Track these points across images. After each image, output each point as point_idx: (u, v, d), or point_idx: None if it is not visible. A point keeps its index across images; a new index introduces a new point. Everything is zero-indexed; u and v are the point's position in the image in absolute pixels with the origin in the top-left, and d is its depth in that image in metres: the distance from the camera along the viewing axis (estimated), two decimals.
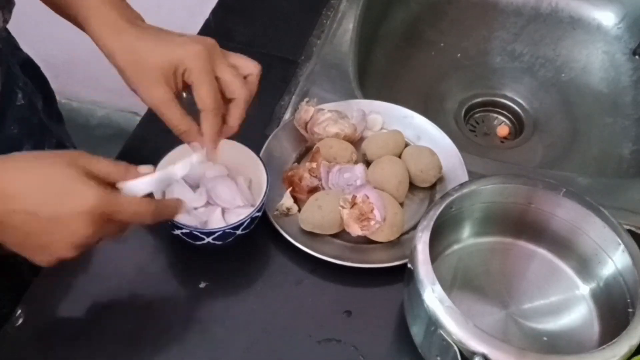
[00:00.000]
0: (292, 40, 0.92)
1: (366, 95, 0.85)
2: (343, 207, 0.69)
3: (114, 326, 0.65)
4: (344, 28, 0.93)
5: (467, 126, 1.01)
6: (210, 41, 0.65)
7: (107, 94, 1.90)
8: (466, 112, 1.02)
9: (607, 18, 1.06)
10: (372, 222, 0.68)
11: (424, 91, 1.03)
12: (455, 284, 0.65)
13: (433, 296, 0.55)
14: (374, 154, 0.76)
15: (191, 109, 0.85)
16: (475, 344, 0.53)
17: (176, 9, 1.65)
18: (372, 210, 0.68)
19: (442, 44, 1.08)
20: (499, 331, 0.61)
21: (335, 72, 0.88)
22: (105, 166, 0.56)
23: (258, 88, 0.68)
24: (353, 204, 0.68)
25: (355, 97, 0.84)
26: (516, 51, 1.07)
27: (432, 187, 0.76)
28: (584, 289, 0.65)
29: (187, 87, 0.65)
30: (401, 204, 0.73)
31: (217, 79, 0.64)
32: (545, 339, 0.61)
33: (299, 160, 0.78)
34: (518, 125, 1.01)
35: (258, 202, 0.67)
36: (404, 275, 0.62)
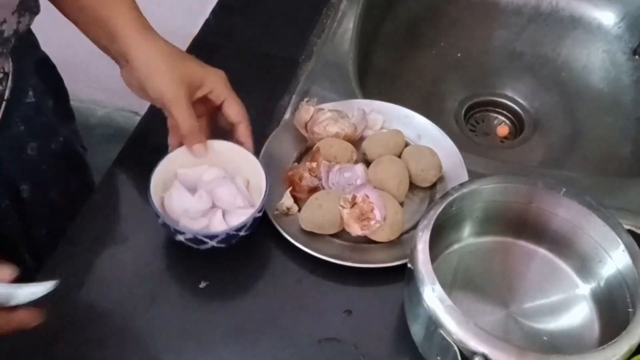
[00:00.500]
0: (292, 40, 0.92)
1: (366, 95, 0.85)
2: (343, 207, 0.69)
3: (114, 326, 0.65)
4: (344, 27, 0.94)
5: (467, 126, 1.01)
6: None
7: (107, 93, 1.90)
8: (466, 112, 1.02)
9: (608, 17, 1.06)
10: (372, 222, 0.68)
11: (425, 91, 1.03)
12: (456, 283, 0.65)
13: (433, 296, 0.55)
14: (374, 153, 0.76)
15: None
16: (475, 344, 0.53)
17: (176, 9, 1.65)
18: (372, 210, 0.68)
19: (442, 44, 1.08)
20: (499, 331, 0.61)
21: (335, 71, 0.88)
22: None
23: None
24: (353, 204, 0.68)
25: (355, 97, 0.84)
26: (516, 51, 1.07)
27: (433, 186, 0.76)
28: (584, 288, 0.65)
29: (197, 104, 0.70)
30: (401, 204, 0.73)
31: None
32: (545, 338, 0.61)
33: (299, 160, 0.78)
34: (518, 124, 1.01)
35: (259, 202, 0.67)
36: (404, 275, 0.62)
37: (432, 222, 0.59)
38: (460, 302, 0.55)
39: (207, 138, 0.71)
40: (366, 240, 0.70)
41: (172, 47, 0.70)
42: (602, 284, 0.63)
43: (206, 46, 0.91)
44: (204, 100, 0.71)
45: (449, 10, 1.10)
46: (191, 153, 0.70)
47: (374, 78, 0.98)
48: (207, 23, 0.95)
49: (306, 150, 0.79)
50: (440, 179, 0.76)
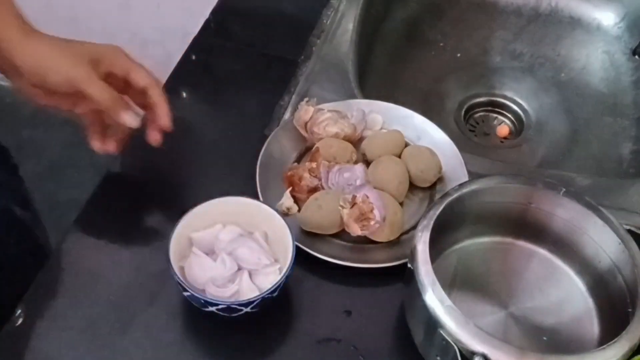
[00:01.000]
0: (292, 40, 0.92)
1: (366, 95, 0.85)
2: (343, 207, 0.69)
3: (114, 326, 0.65)
4: (343, 28, 0.93)
5: (467, 126, 1.01)
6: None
7: None
8: (466, 112, 1.02)
9: (607, 18, 1.06)
10: (372, 222, 0.68)
11: (424, 91, 1.02)
12: (455, 283, 0.65)
13: (433, 296, 0.55)
14: (374, 153, 0.76)
15: (191, 110, 0.86)
16: (475, 344, 0.53)
17: (176, 9, 1.65)
18: (371, 210, 0.68)
19: (442, 44, 1.08)
20: (499, 331, 0.61)
21: (335, 72, 0.88)
22: None
23: None
24: (353, 204, 0.68)
25: (355, 97, 0.84)
26: (516, 51, 1.07)
27: (432, 187, 0.76)
28: (584, 288, 0.65)
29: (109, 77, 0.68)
30: (401, 204, 0.73)
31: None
32: (545, 338, 0.61)
33: (298, 160, 0.78)
34: (518, 125, 1.01)
35: (282, 256, 0.65)
36: (404, 275, 0.62)
37: (432, 222, 0.59)
38: (460, 302, 0.55)
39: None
40: (366, 240, 0.70)
41: (58, 37, 0.67)
42: (602, 284, 0.63)
43: (206, 46, 0.92)
44: (111, 80, 0.69)
45: (449, 10, 1.10)
46: (126, 123, 0.68)
47: (374, 78, 0.98)
48: (207, 23, 0.95)
49: (306, 150, 0.79)
50: (440, 179, 0.76)
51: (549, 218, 0.65)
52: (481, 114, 1.03)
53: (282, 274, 0.63)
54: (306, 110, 0.77)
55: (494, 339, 0.53)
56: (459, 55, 1.07)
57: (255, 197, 0.71)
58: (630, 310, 0.56)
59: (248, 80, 0.88)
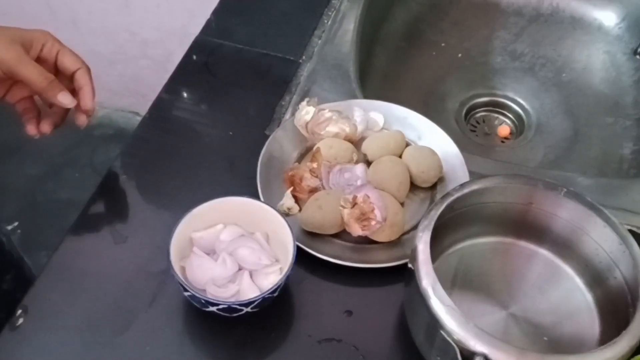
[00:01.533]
0: (293, 40, 0.93)
1: (367, 95, 0.85)
2: (344, 207, 0.69)
3: (115, 326, 0.65)
4: (344, 28, 0.94)
5: (468, 126, 1.01)
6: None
7: (107, 94, 1.90)
8: (467, 112, 1.02)
9: (608, 18, 1.06)
10: (373, 222, 0.68)
11: (425, 91, 1.03)
12: (456, 284, 0.65)
13: (433, 296, 0.55)
14: (375, 154, 0.76)
15: (192, 110, 0.86)
16: (475, 344, 0.53)
17: (176, 9, 1.66)
18: (372, 210, 0.68)
19: (443, 44, 1.08)
20: (499, 331, 0.61)
21: (336, 72, 0.88)
22: None
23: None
24: (354, 204, 0.68)
25: (356, 97, 0.84)
26: (517, 51, 1.07)
27: (433, 187, 0.76)
28: (585, 289, 0.65)
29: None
30: (402, 204, 0.73)
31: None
32: (545, 338, 0.62)
33: (299, 160, 0.78)
34: (519, 125, 1.01)
35: (283, 256, 0.65)
36: (404, 275, 0.62)
37: (433, 223, 0.60)
38: (460, 302, 0.55)
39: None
40: (367, 240, 0.70)
41: None
42: (602, 284, 0.63)
43: (207, 46, 0.92)
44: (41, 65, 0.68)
45: (450, 11, 1.10)
46: (62, 104, 0.68)
47: (375, 78, 0.98)
48: (208, 23, 0.95)
49: (307, 150, 0.79)
50: (441, 179, 0.76)
51: (550, 218, 0.65)
52: (482, 114, 1.03)
53: (282, 274, 0.63)
54: (307, 111, 0.77)
55: (494, 339, 0.53)
56: (460, 55, 1.07)
57: (256, 197, 0.71)
58: (630, 310, 0.56)
59: (249, 81, 0.88)
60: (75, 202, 0.78)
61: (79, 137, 1.83)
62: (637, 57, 0.87)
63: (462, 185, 0.63)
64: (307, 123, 0.77)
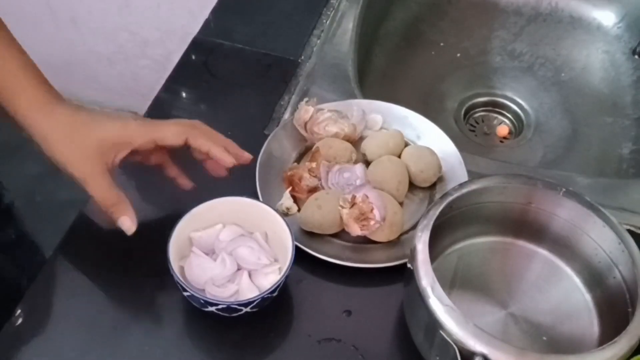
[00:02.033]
0: (292, 40, 0.92)
1: (366, 95, 0.85)
2: (342, 207, 0.69)
3: (114, 326, 0.65)
4: (343, 28, 0.93)
5: (467, 126, 1.01)
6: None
7: (107, 94, 1.90)
8: (466, 112, 1.02)
9: (607, 18, 1.06)
10: (372, 222, 0.68)
11: (424, 91, 1.02)
12: (455, 283, 0.65)
13: (433, 296, 0.55)
14: (374, 153, 0.76)
15: (190, 110, 0.85)
16: (474, 344, 0.53)
17: (176, 9, 1.65)
18: (371, 210, 0.68)
19: (442, 44, 1.08)
20: (498, 331, 0.61)
21: (335, 71, 0.88)
22: None
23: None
24: (352, 204, 0.68)
25: (355, 97, 0.84)
26: (516, 51, 1.07)
27: (432, 186, 0.76)
28: (584, 288, 0.65)
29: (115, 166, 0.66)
30: (401, 204, 0.73)
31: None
32: (545, 338, 0.61)
33: (298, 160, 0.78)
34: (518, 125, 1.01)
35: (282, 255, 0.65)
36: (403, 275, 0.62)
37: (432, 222, 0.59)
38: (459, 302, 0.55)
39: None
40: (366, 240, 0.70)
41: (79, 114, 0.64)
42: (601, 284, 0.63)
43: (206, 46, 0.92)
44: (140, 155, 0.68)
45: (449, 10, 1.10)
46: (121, 228, 0.65)
47: (374, 78, 0.98)
48: (207, 23, 0.95)
49: (306, 150, 0.79)
50: (440, 179, 0.76)
51: (549, 218, 0.65)
52: (481, 113, 1.03)
53: (281, 274, 0.63)
54: (306, 110, 0.77)
55: (493, 339, 0.53)
56: (459, 55, 1.07)
57: (255, 197, 0.71)
58: (629, 310, 0.56)
59: (248, 80, 0.88)
60: (74, 202, 0.78)
61: None
62: (636, 56, 0.87)
63: (461, 185, 0.63)
64: (306, 123, 0.77)
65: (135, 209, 0.69)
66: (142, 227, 0.72)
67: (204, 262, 0.65)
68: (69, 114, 0.64)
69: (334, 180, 0.73)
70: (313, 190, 0.73)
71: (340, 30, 0.93)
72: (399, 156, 0.76)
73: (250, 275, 0.65)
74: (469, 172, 0.75)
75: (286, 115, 0.83)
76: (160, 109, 0.84)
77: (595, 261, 0.63)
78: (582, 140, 0.96)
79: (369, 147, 0.77)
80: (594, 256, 0.63)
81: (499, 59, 1.07)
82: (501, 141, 1.00)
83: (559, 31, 1.07)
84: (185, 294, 0.62)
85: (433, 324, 0.55)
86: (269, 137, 0.77)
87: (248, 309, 0.62)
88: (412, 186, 0.75)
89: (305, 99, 0.79)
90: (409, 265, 0.59)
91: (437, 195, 0.74)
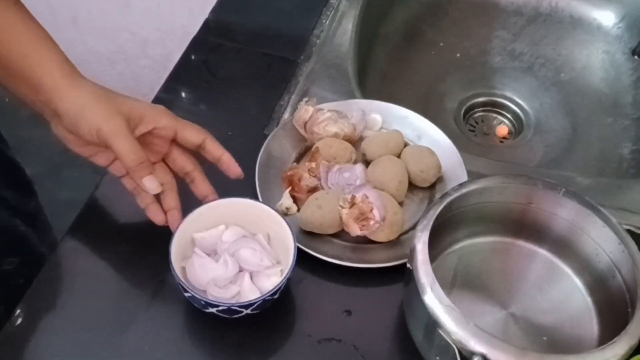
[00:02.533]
0: (292, 40, 0.92)
1: (366, 95, 0.85)
2: (342, 207, 0.69)
3: (114, 326, 0.65)
4: (343, 28, 0.93)
5: (466, 126, 1.01)
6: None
7: None
8: (466, 112, 1.02)
9: (607, 18, 1.06)
10: (372, 222, 0.68)
11: (424, 91, 1.02)
12: (455, 283, 0.65)
13: (432, 296, 0.55)
14: (374, 153, 0.76)
15: (190, 110, 0.85)
16: (474, 344, 0.53)
17: (176, 9, 1.65)
18: (371, 210, 0.68)
19: (442, 44, 1.08)
20: (498, 331, 0.61)
21: (335, 71, 0.88)
22: None
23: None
24: (352, 204, 0.68)
25: (355, 97, 0.84)
26: (516, 51, 1.07)
27: (432, 187, 0.76)
28: (584, 289, 0.65)
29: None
30: (400, 204, 0.73)
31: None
32: (545, 338, 0.61)
33: (298, 160, 0.78)
34: (518, 125, 1.01)
35: (284, 257, 0.64)
36: (403, 275, 0.62)
37: (432, 222, 0.59)
38: (459, 302, 0.55)
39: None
40: (365, 240, 0.70)
41: (103, 88, 0.65)
42: (601, 284, 0.63)
43: (206, 46, 0.92)
44: (154, 142, 0.68)
45: (449, 10, 1.10)
46: (144, 189, 0.65)
47: (374, 78, 0.98)
48: (207, 23, 0.95)
49: (305, 150, 0.79)
50: (440, 179, 0.76)
51: (549, 218, 0.65)
52: (481, 113, 1.03)
53: (283, 276, 0.63)
54: (306, 110, 0.77)
55: (493, 339, 0.53)
56: (458, 55, 1.07)
57: (255, 196, 0.71)
58: (629, 310, 0.56)
59: (248, 80, 0.88)
60: (74, 202, 0.78)
61: None
62: (636, 57, 0.87)
63: (461, 185, 0.63)
64: (305, 123, 0.77)
65: (139, 208, 0.70)
66: (143, 226, 0.72)
67: (206, 263, 0.65)
68: (97, 85, 0.64)
69: (334, 180, 0.73)
70: (313, 190, 0.73)
71: (340, 30, 0.93)
72: (399, 156, 0.76)
73: (252, 277, 0.65)
74: (469, 172, 0.75)
75: (286, 115, 0.83)
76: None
77: (595, 261, 0.63)
78: (582, 141, 0.96)
79: (369, 147, 0.77)
80: (594, 256, 0.63)
81: (499, 59, 1.07)
82: (501, 141, 1.00)
83: (559, 31, 1.07)
84: (187, 294, 0.62)
85: (433, 324, 0.55)
86: (269, 137, 0.77)
87: (249, 311, 0.62)
88: (412, 186, 0.75)
89: (305, 99, 0.79)
90: (408, 265, 0.59)
91: (437, 195, 0.74)
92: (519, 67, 1.06)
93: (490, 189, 0.64)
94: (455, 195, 0.62)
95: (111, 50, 1.82)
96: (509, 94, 1.03)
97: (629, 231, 0.61)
